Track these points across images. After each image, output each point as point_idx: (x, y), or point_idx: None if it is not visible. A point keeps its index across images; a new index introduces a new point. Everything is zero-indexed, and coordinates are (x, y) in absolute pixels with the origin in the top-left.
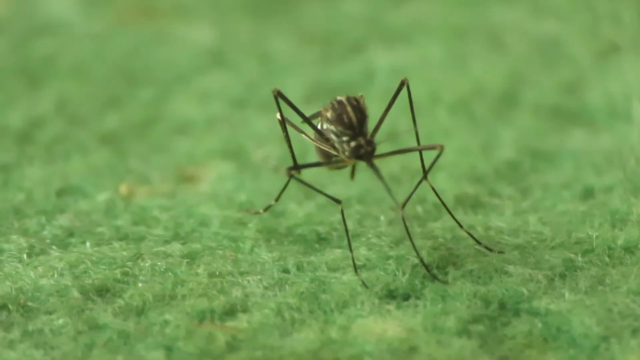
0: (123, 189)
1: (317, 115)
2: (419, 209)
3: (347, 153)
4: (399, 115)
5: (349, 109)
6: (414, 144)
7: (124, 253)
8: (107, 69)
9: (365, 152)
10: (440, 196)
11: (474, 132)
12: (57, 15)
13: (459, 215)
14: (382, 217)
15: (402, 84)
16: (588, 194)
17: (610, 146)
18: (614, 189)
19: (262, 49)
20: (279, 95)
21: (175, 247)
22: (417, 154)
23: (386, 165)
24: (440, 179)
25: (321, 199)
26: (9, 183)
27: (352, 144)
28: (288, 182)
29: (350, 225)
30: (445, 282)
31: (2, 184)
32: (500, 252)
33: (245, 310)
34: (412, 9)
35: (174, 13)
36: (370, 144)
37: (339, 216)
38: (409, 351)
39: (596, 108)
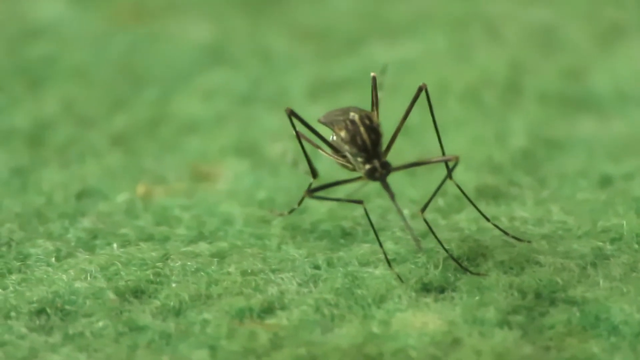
0: (140, 189)
1: (331, 122)
2: (441, 201)
3: (362, 172)
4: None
5: (362, 129)
6: (431, 143)
7: (153, 254)
8: (108, 70)
9: (380, 175)
10: (462, 188)
11: (485, 121)
12: (49, 18)
13: (482, 207)
14: (405, 211)
15: (420, 89)
16: (606, 181)
17: (624, 132)
18: (634, 177)
19: (260, 45)
20: (292, 115)
21: (203, 247)
22: (435, 146)
23: (402, 159)
24: (458, 170)
25: (341, 194)
26: (28, 186)
27: (367, 166)
28: (309, 188)
29: (374, 219)
30: (482, 274)
31: (20, 188)
32: (528, 242)
33: (283, 307)
34: (406, 2)
35: (166, 12)
36: (385, 166)
37: (362, 211)
38: (452, 343)
39: (603, 93)
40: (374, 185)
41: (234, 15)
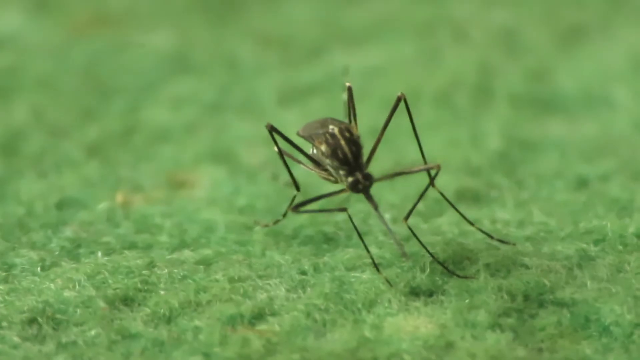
0: (119, 197)
1: (310, 136)
2: (421, 206)
3: (345, 184)
4: (378, 114)
5: (342, 142)
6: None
7: (138, 261)
8: (73, 80)
9: (363, 187)
10: (445, 196)
11: (459, 124)
12: (7, 30)
13: (462, 210)
14: (387, 215)
15: (399, 99)
16: (582, 183)
17: (593, 133)
18: (609, 178)
19: (223, 53)
20: (272, 130)
21: (187, 254)
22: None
23: (379, 164)
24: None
25: (323, 200)
26: (6, 197)
27: (350, 179)
28: (292, 201)
29: (356, 224)
30: (470, 277)
31: None
32: (513, 244)
33: (273, 313)
34: (365, 8)
35: (126, 20)
36: (368, 178)
37: (343, 216)
38: (445, 347)
39: (569, 94)
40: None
41: (194, 23)
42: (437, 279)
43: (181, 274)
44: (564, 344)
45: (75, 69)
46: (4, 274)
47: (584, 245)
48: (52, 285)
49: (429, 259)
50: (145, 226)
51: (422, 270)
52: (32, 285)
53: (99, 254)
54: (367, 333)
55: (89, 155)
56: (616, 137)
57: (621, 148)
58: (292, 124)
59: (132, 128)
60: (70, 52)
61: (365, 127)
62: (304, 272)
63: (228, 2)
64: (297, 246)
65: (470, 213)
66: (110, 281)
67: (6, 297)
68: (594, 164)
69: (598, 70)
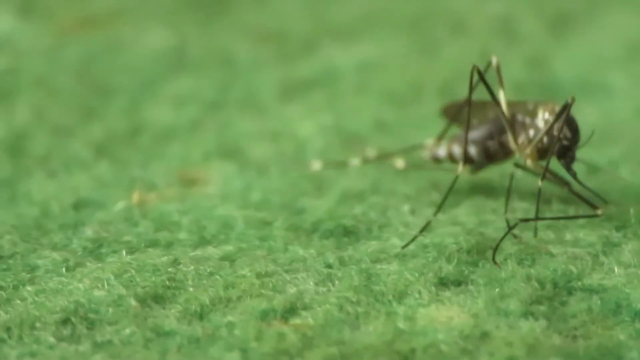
0: (135, 196)
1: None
2: (437, 196)
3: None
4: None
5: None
6: None
7: (163, 259)
8: (71, 81)
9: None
10: (454, 184)
11: None
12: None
13: (480, 200)
14: (405, 207)
15: (568, 104)
16: (593, 169)
17: (595, 120)
18: (619, 164)
19: (218, 49)
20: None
21: (210, 251)
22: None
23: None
24: (450, 167)
25: (336, 193)
26: (17, 198)
27: (569, 153)
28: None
29: (374, 216)
30: (497, 265)
31: (9, 199)
32: (519, 237)
33: (305, 307)
34: (354, 2)
35: (113, 21)
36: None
37: (361, 209)
38: (481, 337)
39: (567, 81)
40: (366, 184)
41: (185, 20)
42: (464, 269)
43: (207, 270)
44: (597, 330)
45: (70, 70)
46: (28, 275)
47: (606, 232)
48: (80, 286)
49: (452, 248)
50: (163, 224)
51: (448, 260)
52: (60, 286)
53: (123, 252)
54: (401, 325)
55: (98, 155)
56: (617, 123)
57: (624, 134)
58: (295, 119)
59: (137, 127)
60: (62, 54)
61: (368, 121)
62: (329, 266)
63: None
64: (319, 240)
65: (488, 203)
66: (138, 279)
67: (35, 299)
68: (600, 150)
69: (591, 56)
